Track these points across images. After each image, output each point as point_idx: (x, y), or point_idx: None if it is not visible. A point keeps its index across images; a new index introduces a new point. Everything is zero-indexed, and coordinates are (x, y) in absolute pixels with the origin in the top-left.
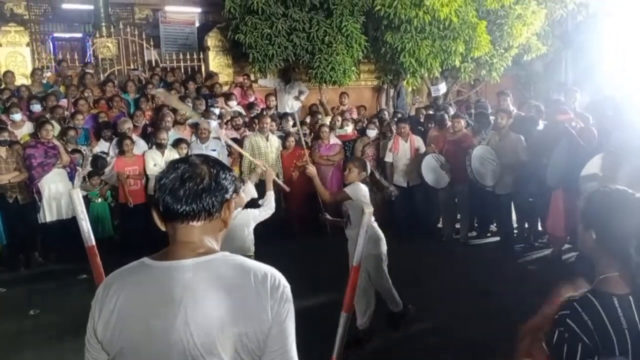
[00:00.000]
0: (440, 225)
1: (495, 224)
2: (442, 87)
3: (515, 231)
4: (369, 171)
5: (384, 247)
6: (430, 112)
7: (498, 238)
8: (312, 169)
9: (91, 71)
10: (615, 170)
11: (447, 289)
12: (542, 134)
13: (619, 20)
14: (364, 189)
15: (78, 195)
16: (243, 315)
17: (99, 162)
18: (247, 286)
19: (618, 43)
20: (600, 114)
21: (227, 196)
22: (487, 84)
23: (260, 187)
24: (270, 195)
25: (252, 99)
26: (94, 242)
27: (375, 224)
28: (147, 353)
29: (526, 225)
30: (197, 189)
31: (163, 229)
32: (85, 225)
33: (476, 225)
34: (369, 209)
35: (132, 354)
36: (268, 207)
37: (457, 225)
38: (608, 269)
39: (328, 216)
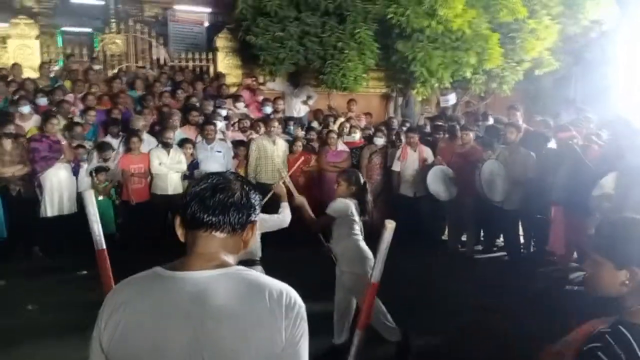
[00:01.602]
0: (445, 237)
1: (502, 239)
2: (452, 98)
3: (523, 248)
4: (361, 182)
5: (369, 266)
6: (439, 122)
7: (504, 253)
8: (301, 199)
9: (97, 67)
10: (627, 191)
11: (451, 303)
12: (552, 150)
13: (633, 40)
14: (346, 204)
15: (91, 196)
16: (257, 335)
17: (104, 148)
18: (262, 304)
19: (631, 63)
20: (616, 134)
21: (253, 217)
22: (496, 97)
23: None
24: (285, 206)
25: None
26: (104, 246)
27: (363, 242)
28: None
29: (532, 242)
30: (226, 201)
31: (182, 239)
32: (97, 227)
33: (482, 239)
34: (391, 224)
35: None
36: (281, 216)
37: (464, 239)
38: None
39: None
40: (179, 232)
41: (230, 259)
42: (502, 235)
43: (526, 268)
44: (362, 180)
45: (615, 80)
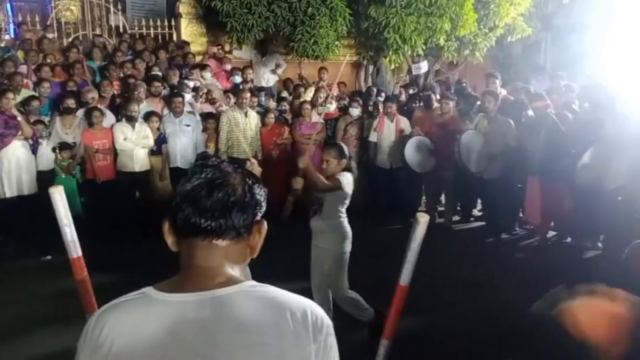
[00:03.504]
0: (422, 209)
1: (479, 209)
2: (424, 66)
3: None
4: (348, 155)
5: (348, 246)
6: (411, 91)
7: (482, 223)
8: (306, 159)
9: (51, 35)
10: (607, 160)
11: (433, 277)
12: (529, 119)
13: (603, 7)
14: (351, 182)
15: (61, 194)
16: None
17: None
18: (284, 328)
19: (600, 30)
20: (593, 102)
21: (260, 216)
22: (466, 65)
23: None
24: None
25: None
26: (80, 253)
27: (345, 219)
28: None
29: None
30: (227, 200)
31: (173, 248)
32: (70, 232)
33: (459, 209)
34: (425, 218)
35: None
36: None
37: (440, 209)
38: None
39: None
40: (169, 241)
41: (236, 272)
42: (479, 206)
43: (505, 239)
44: (347, 151)
45: (584, 47)
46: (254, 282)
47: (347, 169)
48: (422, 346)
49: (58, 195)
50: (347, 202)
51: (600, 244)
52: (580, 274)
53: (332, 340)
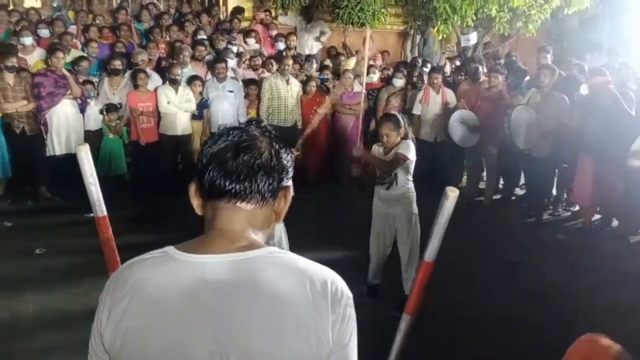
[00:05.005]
0: (463, 184)
1: (521, 188)
2: (473, 37)
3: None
4: (404, 124)
5: (416, 207)
6: (457, 62)
7: (524, 202)
8: (359, 150)
9: None
10: None
11: (470, 255)
12: (584, 96)
13: None
14: (413, 147)
15: (87, 153)
16: (297, 337)
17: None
18: (302, 297)
19: None
20: None
21: (286, 181)
22: (518, 38)
23: None
24: None
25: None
26: (105, 212)
27: (412, 183)
28: None
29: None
30: (253, 163)
31: (198, 211)
32: (95, 191)
33: (501, 187)
34: (454, 192)
35: None
36: None
37: (481, 186)
38: None
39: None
40: (195, 203)
41: (259, 237)
42: (522, 184)
43: (547, 220)
44: (402, 119)
45: None
46: (274, 248)
47: (406, 136)
48: (449, 324)
49: (84, 154)
50: (413, 166)
51: None
52: (625, 260)
53: (351, 312)
